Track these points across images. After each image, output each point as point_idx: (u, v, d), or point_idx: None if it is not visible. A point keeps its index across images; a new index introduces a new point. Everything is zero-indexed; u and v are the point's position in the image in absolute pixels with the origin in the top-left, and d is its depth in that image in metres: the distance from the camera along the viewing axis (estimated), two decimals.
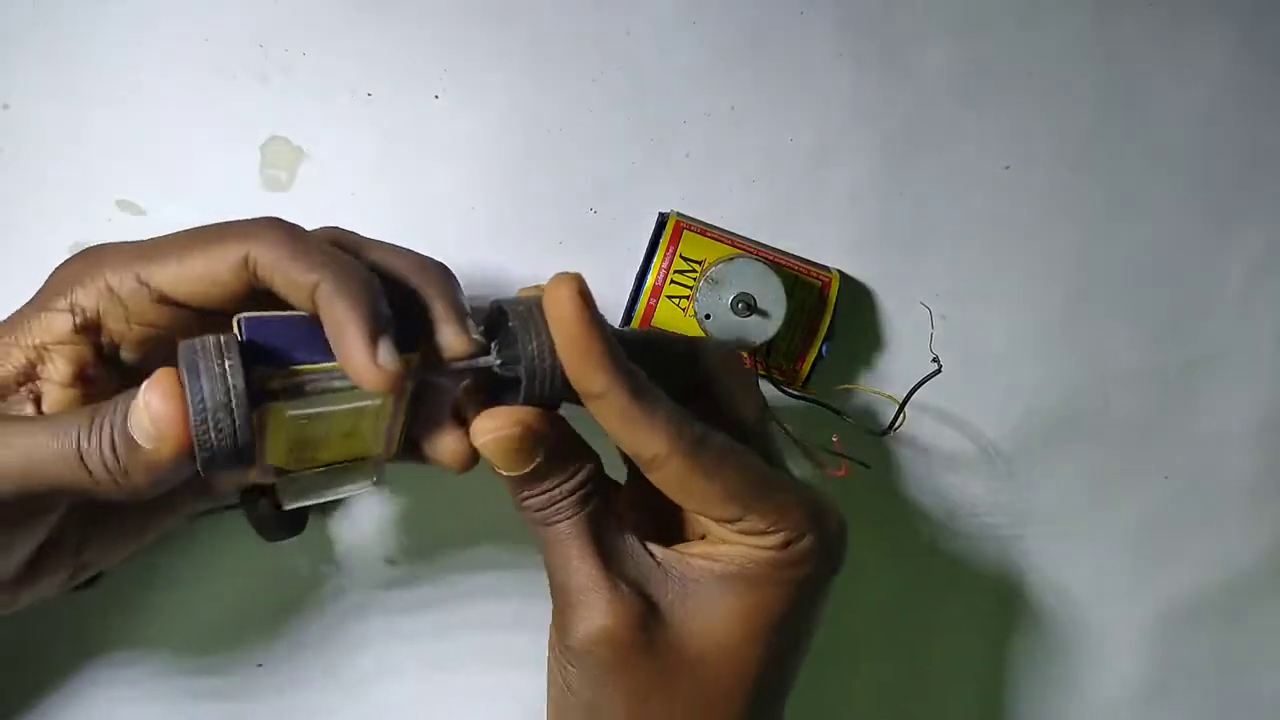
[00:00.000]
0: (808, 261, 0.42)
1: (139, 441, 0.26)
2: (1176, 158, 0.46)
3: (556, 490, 0.30)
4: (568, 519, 0.31)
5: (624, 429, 0.29)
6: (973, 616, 0.48)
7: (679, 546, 0.32)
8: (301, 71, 0.41)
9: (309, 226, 0.41)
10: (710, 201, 0.43)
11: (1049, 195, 0.45)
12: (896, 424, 0.40)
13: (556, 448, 0.30)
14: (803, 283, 0.42)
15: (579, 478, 0.30)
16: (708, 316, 0.39)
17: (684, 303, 0.40)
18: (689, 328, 0.40)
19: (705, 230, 0.41)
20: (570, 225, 0.43)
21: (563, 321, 0.27)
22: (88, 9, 0.40)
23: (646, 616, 0.30)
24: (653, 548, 0.32)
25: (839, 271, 0.43)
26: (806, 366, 0.42)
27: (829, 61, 0.43)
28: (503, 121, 0.42)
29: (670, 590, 0.31)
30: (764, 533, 0.30)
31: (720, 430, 0.30)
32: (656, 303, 0.40)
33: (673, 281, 0.40)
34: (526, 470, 0.30)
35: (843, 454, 0.40)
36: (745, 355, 0.40)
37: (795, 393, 0.42)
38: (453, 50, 0.41)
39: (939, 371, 0.40)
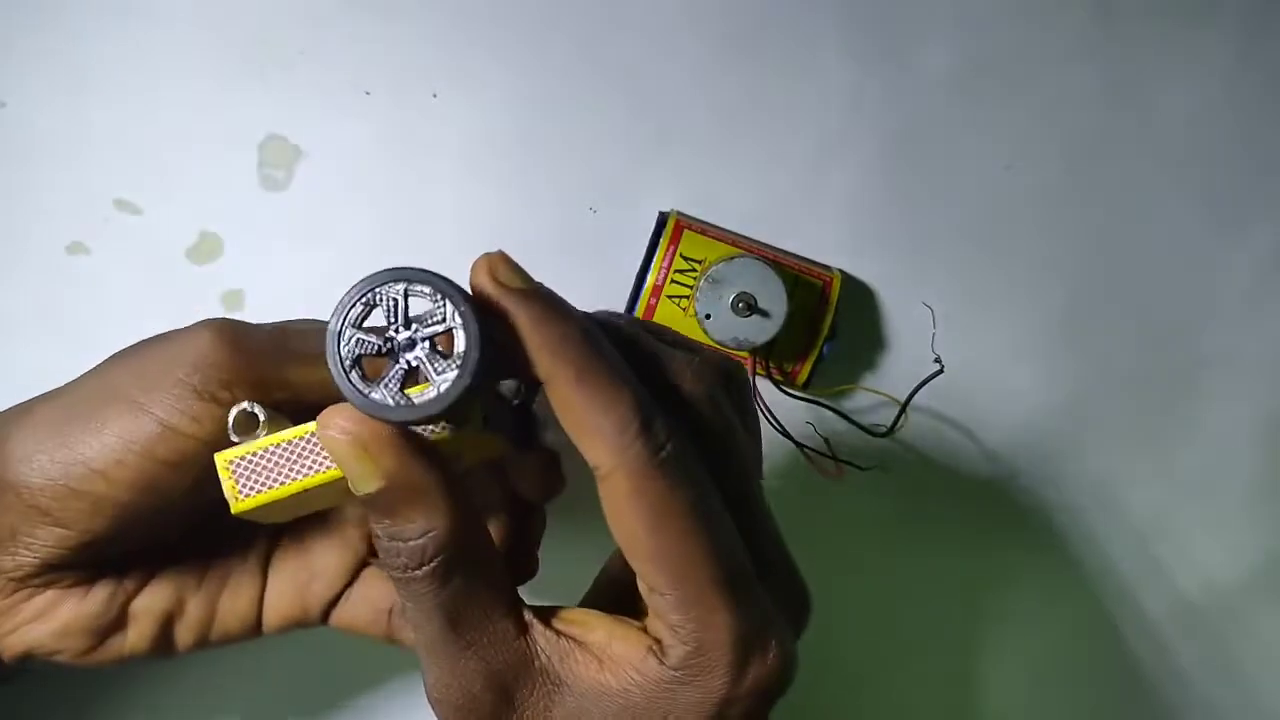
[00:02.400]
0: (809, 261, 0.42)
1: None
2: (1179, 157, 0.46)
3: (397, 540, 0.25)
4: (410, 579, 0.25)
5: (566, 417, 0.24)
6: (973, 617, 0.48)
7: (579, 629, 0.26)
8: (299, 70, 0.41)
9: (308, 226, 0.41)
10: (710, 201, 0.43)
11: (1050, 195, 0.45)
12: (898, 425, 0.40)
13: (399, 488, 0.24)
14: (804, 282, 0.41)
15: (420, 540, 0.24)
16: (708, 316, 0.39)
17: (684, 303, 0.40)
18: (690, 328, 0.40)
19: (705, 230, 0.41)
20: (570, 225, 0.43)
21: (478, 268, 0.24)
22: (86, 9, 0.39)
23: (496, 706, 0.25)
24: (540, 631, 0.26)
25: (840, 271, 0.42)
26: (807, 367, 0.42)
27: (830, 61, 0.43)
28: (502, 120, 0.42)
29: (534, 687, 0.25)
30: (672, 630, 0.24)
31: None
32: (656, 302, 0.40)
33: (673, 281, 0.40)
34: (364, 494, 0.24)
35: (835, 456, 0.40)
36: (747, 359, 0.40)
37: (796, 393, 0.42)
38: (451, 49, 0.41)
39: (941, 372, 0.40)
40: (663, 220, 0.41)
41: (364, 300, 0.23)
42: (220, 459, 0.26)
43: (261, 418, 0.26)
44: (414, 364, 0.23)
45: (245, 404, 0.26)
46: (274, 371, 0.28)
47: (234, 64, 0.40)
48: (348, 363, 0.23)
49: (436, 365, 0.23)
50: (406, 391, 0.23)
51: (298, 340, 0.28)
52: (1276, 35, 0.46)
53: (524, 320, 0.24)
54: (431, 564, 0.24)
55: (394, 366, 0.23)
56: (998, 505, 0.47)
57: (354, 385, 0.22)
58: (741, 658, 0.24)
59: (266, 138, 0.41)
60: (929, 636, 0.48)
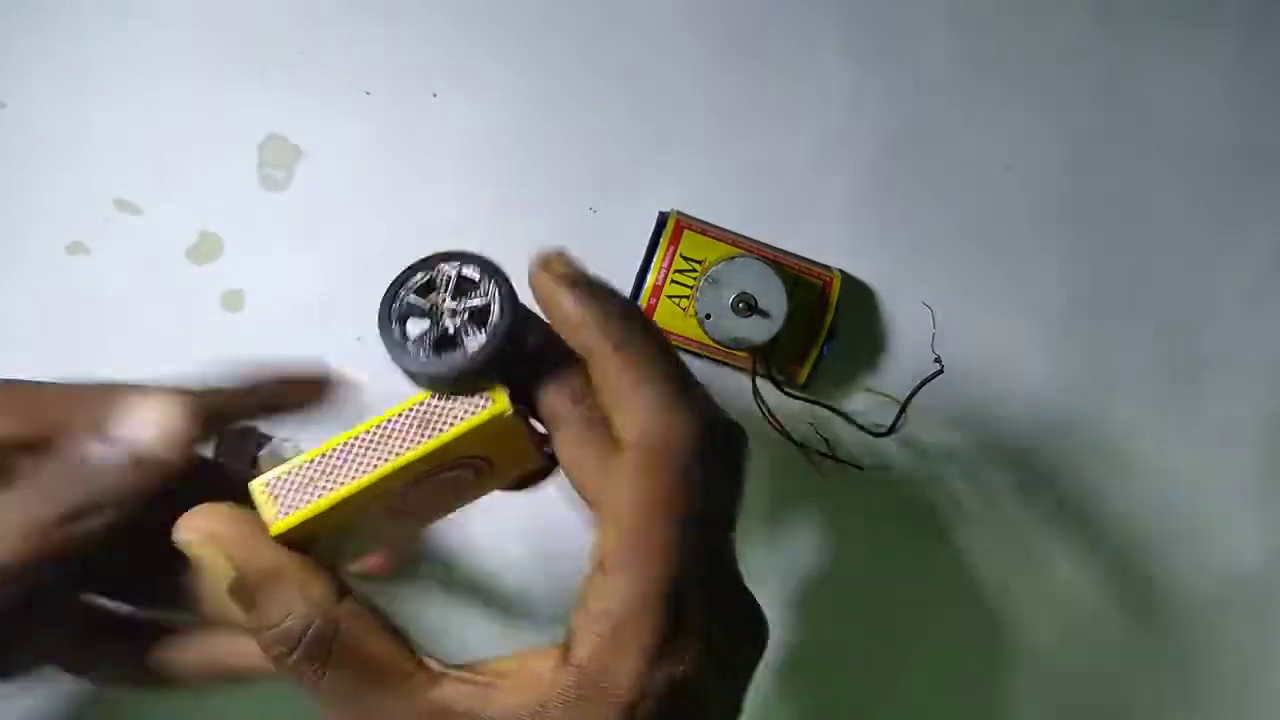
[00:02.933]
0: (809, 261, 0.42)
1: None
2: (1178, 157, 0.46)
3: (264, 628, 0.24)
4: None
5: (604, 390, 0.25)
6: (972, 618, 0.48)
7: (494, 667, 0.25)
8: (300, 70, 0.41)
9: (308, 226, 0.41)
10: (710, 201, 0.43)
11: (1050, 195, 0.45)
12: (898, 424, 0.40)
13: (251, 574, 0.24)
14: (804, 282, 0.41)
15: (284, 625, 0.24)
16: (708, 316, 0.39)
17: (684, 303, 0.40)
18: (690, 328, 0.40)
19: (705, 230, 0.41)
20: (570, 225, 0.43)
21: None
22: (86, 9, 0.39)
23: None
24: (453, 681, 0.24)
25: (840, 271, 0.42)
26: (807, 367, 0.42)
27: (830, 61, 0.43)
28: (502, 120, 0.42)
29: None
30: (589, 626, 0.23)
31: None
32: (657, 303, 0.40)
33: (673, 281, 0.40)
34: (225, 590, 0.24)
35: (835, 456, 0.40)
36: (746, 354, 0.40)
37: (796, 393, 0.42)
38: (451, 49, 0.41)
39: (941, 372, 0.40)
40: (663, 220, 0.41)
41: (422, 271, 0.26)
42: (255, 485, 0.26)
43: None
44: (451, 330, 0.25)
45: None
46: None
47: (234, 64, 0.40)
48: (394, 317, 0.25)
49: (470, 330, 0.25)
50: (439, 353, 0.25)
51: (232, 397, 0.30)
52: (1276, 35, 0.46)
53: (569, 298, 0.26)
54: (302, 647, 0.24)
55: (434, 328, 0.25)
56: (997, 505, 0.47)
57: (394, 336, 0.25)
58: (652, 660, 0.23)
59: (266, 138, 0.41)
60: (928, 635, 0.48)
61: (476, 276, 0.25)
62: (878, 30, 0.43)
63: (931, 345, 0.42)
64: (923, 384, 0.40)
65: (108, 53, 0.40)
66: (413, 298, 0.25)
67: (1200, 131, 0.46)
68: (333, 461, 0.26)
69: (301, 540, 0.26)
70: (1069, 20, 0.45)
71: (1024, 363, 0.46)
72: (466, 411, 0.25)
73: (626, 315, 0.26)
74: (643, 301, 0.40)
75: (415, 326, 0.25)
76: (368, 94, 0.41)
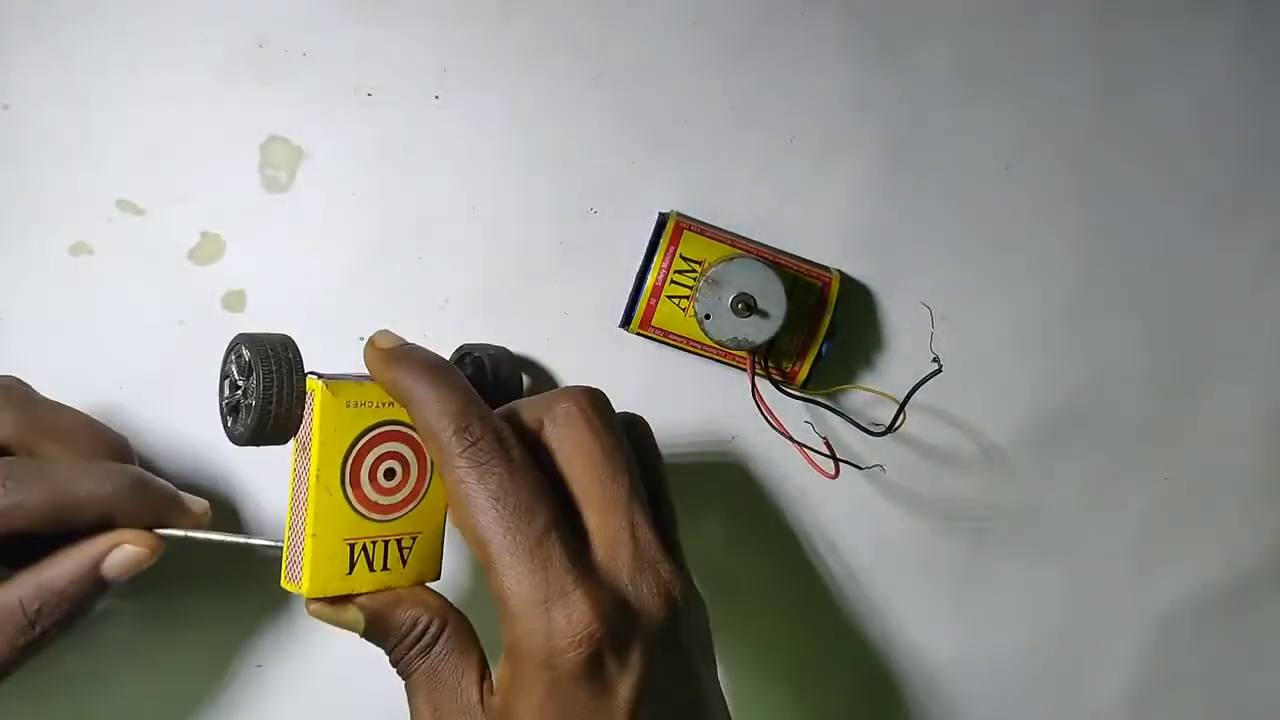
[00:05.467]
0: (808, 261, 0.42)
1: None
2: (1177, 157, 0.46)
3: (398, 647, 0.32)
4: (410, 673, 0.32)
5: (384, 378, 0.31)
6: (969, 616, 0.48)
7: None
8: (301, 71, 0.41)
9: (309, 227, 0.41)
10: (710, 201, 0.43)
11: (1049, 195, 0.45)
12: (897, 424, 0.40)
13: (375, 611, 0.32)
14: (803, 283, 0.42)
15: (413, 634, 0.32)
16: (708, 316, 0.39)
17: (684, 303, 0.40)
18: (690, 328, 0.40)
19: (705, 230, 0.41)
20: (570, 225, 0.43)
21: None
22: (87, 9, 0.40)
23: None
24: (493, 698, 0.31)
25: (839, 271, 0.43)
26: (806, 366, 0.42)
27: (830, 61, 0.43)
28: (502, 121, 0.42)
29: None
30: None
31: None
32: (656, 303, 0.40)
33: (673, 281, 0.40)
34: (360, 634, 0.32)
35: (834, 455, 0.40)
36: (745, 356, 0.40)
37: (795, 393, 0.42)
38: (452, 50, 0.41)
39: (939, 371, 0.40)
40: (663, 221, 0.41)
41: (230, 358, 0.31)
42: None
43: None
44: (235, 403, 0.31)
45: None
46: None
47: (237, 66, 0.40)
48: (222, 406, 0.31)
49: (242, 408, 0.30)
50: (231, 418, 0.31)
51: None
52: (1273, 36, 0.46)
53: (380, 357, 0.31)
54: (428, 636, 0.32)
55: (223, 397, 0.31)
56: (997, 504, 0.47)
57: (223, 421, 0.31)
58: (539, 614, 0.28)
59: (268, 139, 0.41)
60: (927, 634, 0.48)
61: (249, 360, 0.30)
62: (878, 30, 0.43)
63: (930, 345, 0.42)
64: (921, 383, 0.40)
65: (110, 54, 0.40)
66: (225, 386, 0.31)
67: (1198, 131, 0.46)
68: (295, 516, 0.31)
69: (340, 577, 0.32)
70: (1068, 20, 0.45)
71: (1022, 362, 0.46)
72: (309, 415, 0.30)
73: (425, 360, 0.31)
74: (642, 302, 0.40)
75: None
76: (370, 96, 0.41)
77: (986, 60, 0.44)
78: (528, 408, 0.33)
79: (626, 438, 0.33)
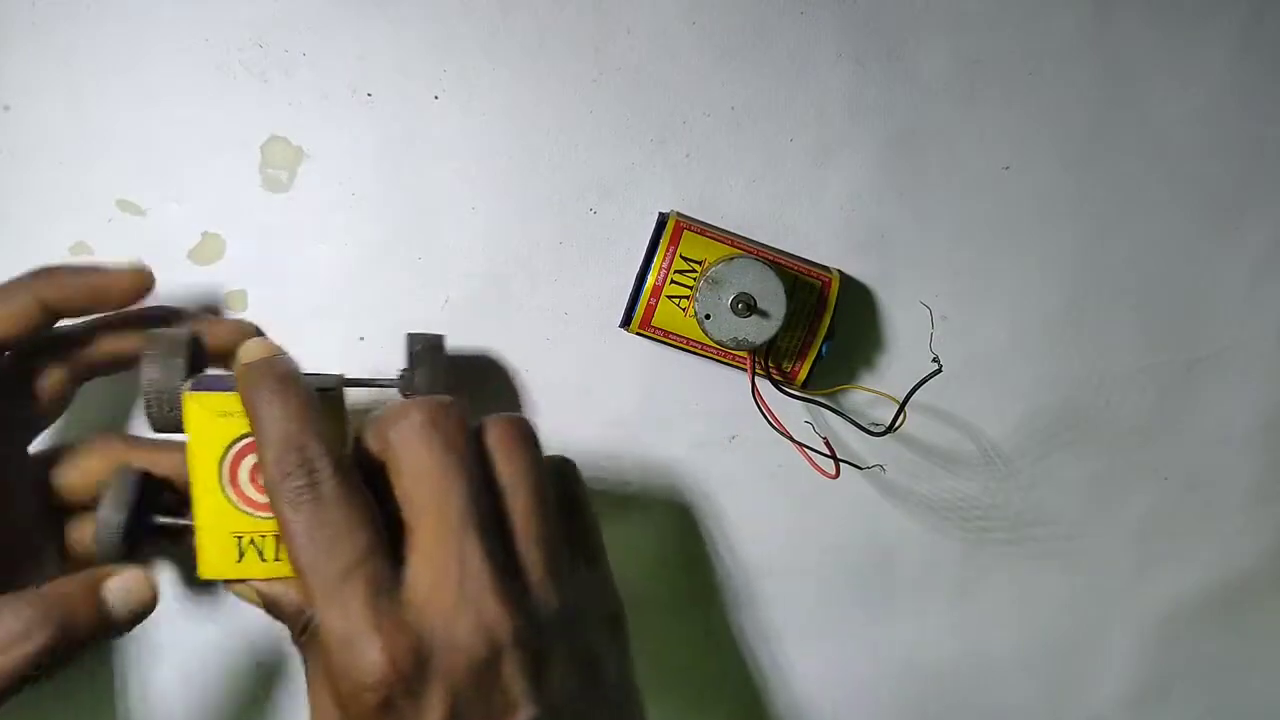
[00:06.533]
0: (808, 261, 0.42)
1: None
2: (1177, 157, 0.46)
3: (292, 631, 0.32)
4: (304, 657, 0.32)
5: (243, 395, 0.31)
6: (968, 616, 0.48)
7: None
8: (301, 71, 0.41)
9: (310, 227, 0.41)
10: (710, 201, 0.43)
11: (1049, 195, 0.45)
12: (896, 424, 0.40)
13: (266, 596, 0.33)
14: (803, 283, 0.42)
15: (300, 623, 0.31)
16: (708, 316, 0.39)
17: (684, 303, 0.40)
18: (689, 328, 0.40)
19: (705, 230, 0.41)
20: (570, 225, 0.43)
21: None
22: (87, 9, 0.40)
23: None
24: None
25: (839, 271, 0.43)
26: (806, 366, 0.42)
27: (830, 61, 0.43)
28: (503, 121, 0.42)
29: None
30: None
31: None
32: (656, 303, 0.40)
33: (673, 281, 0.40)
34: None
35: (834, 455, 0.40)
36: (750, 351, 0.40)
37: (795, 393, 0.42)
38: (452, 50, 0.41)
39: (939, 371, 0.40)
40: (663, 220, 0.41)
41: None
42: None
43: None
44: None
45: None
46: None
47: (236, 66, 0.40)
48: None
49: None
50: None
51: None
52: (1272, 37, 0.46)
53: (238, 373, 0.31)
54: (312, 625, 0.31)
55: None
56: (997, 504, 0.47)
57: None
58: (340, 651, 0.29)
59: (269, 139, 0.41)
60: (927, 634, 0.48)
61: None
62: (878, 30, 0.43)
63: (930, 345, 0.43)
64: (921, 383, 0.40)
65: (111, 54, 0.40)
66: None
67: (1199, 130, 0.46)
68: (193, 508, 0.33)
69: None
70: (1068, 20, 0.45)
71: (1021, 362, 0.46)
72: (185, 422, 0.32)
73: (286, 392, 0.31)
74: (642, 302, 0.40)
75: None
76: (370, 96, 0.41)
77: (986, 60, 0.44)
78: (377, 422, 0.32)
79: (532, 474, 0.32)
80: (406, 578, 0.29)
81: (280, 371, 0.31)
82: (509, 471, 0.32)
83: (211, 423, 0.32)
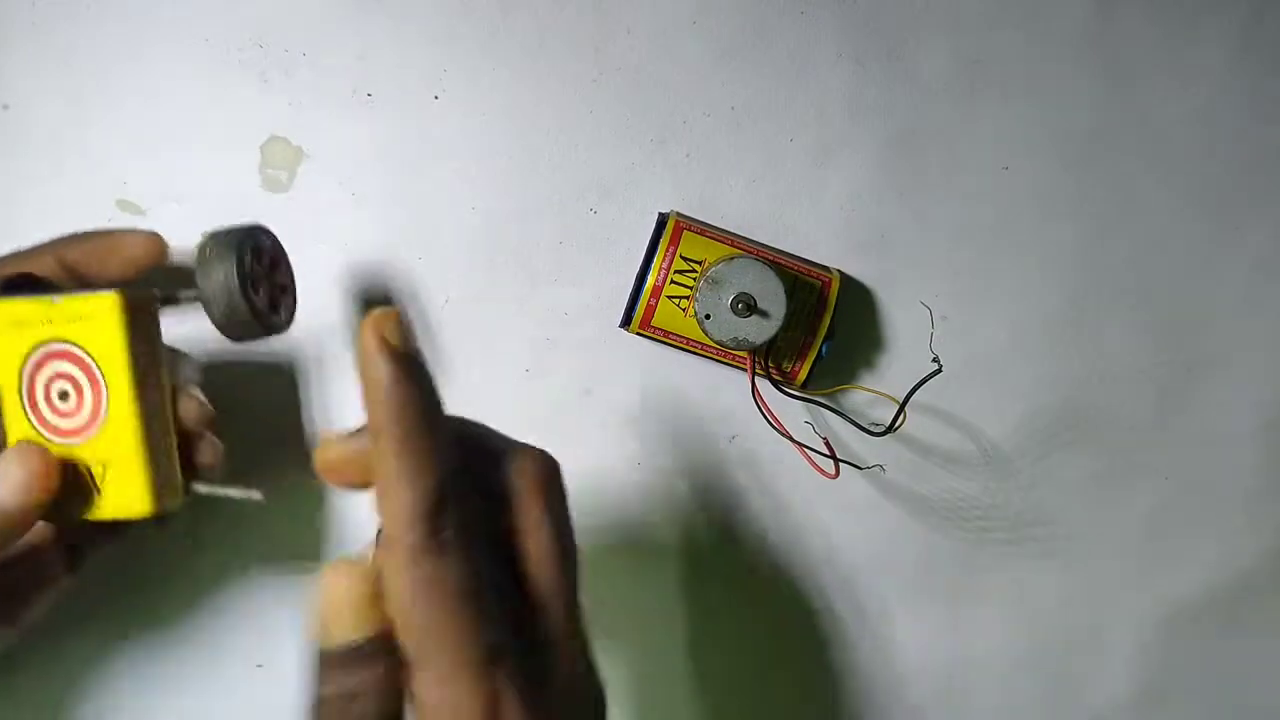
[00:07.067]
0: (808, 261, 0.42)
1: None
2: (1177, 157, 0.46)
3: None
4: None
5: (377, 473, 0.25)
6: (967, 615, 0.48)
7: None
8: (301, 72, 0.41)
9: (310, 227, 0.41)
10: (710, 201, 0.43)
11: (1049, 195, 0.45)
12: (896, 424, 0.40)
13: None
14: (803, 283, 0.42)
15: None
16: (708, 316, 0.39)
17: (684, 303, 0.40)
18: (690, 328, 0.40)
19: (705, 230, 0.41)
20: (570, 225, 0.43)
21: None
22: (88, 9, 0.40)
23: None
24: None
25: (839, 271, 0.43)
26: (806, 366, 0.42)
27: (830, 61, 0.43)
28: (502, 121, 0.42)
29: None
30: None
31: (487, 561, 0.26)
32: (656, 303, 0.40)
33: (673, 281, 0.40)
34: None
35: (834, 455, 0.40)
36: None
37: (795, 393, 0.42)
38: (452, 50, 0.41)
39: (939, 371, 0.40)
40: (663, 220, 0.41)
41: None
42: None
43: None
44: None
45: None
46: None
47: (236, 66, 0.40)
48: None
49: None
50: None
51: None
52: (1272, 37, 0.46)
53: (380, 376, 0.25)
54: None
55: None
56: (997, 504, 0.47)
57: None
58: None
59: (268, 139, 0.41)
60: (927, 634, 0.48)
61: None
62: (877, 30, 0.43)
63: (930, 345, 0.43)
64: (921, 383, 0.40)
65: (110, 54, 0.40)
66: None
67: (1199, 131, 0.46)
68: None
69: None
70: (1068, 20, 0.45)
71: (1021, 362, 0.46)
72: None
73: (424, 410, 0.25)
74: (642, 302, 0.40)
75: None
76: (370, 96, 0.41)
77: (986, 60, 0.44)
78: (495, 469, 0.28)
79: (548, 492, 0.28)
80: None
81: (420, 405, 0.26)
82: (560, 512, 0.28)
83: (4, 333, 0.29)
